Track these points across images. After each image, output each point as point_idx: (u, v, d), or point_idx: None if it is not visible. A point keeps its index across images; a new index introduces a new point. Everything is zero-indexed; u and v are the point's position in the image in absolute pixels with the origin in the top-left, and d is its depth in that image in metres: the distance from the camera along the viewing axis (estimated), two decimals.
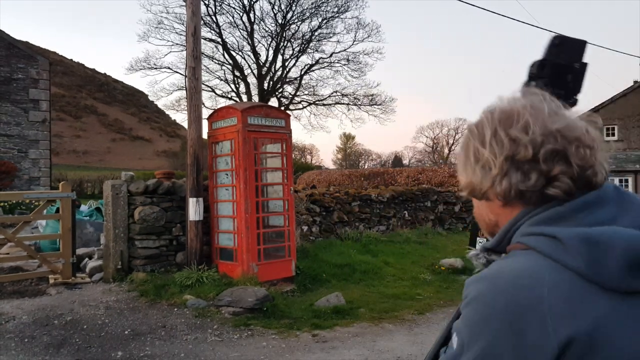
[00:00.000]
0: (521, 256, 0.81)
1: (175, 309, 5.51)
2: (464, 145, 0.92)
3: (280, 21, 26.85)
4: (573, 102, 1.08)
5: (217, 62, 27.55)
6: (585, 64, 1.11)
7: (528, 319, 0.72)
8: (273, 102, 27.78)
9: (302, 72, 28.25)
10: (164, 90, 34.18)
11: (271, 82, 28.09)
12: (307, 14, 26.76)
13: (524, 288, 0.74)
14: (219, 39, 26.56)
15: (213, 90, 28.20)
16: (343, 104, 29.01)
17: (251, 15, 26.48)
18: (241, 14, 26.47)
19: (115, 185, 6.65)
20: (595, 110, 28.18)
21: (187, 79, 6.93)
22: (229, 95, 28.44)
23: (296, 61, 28.19)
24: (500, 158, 0.84)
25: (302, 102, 29.31)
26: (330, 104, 29.10)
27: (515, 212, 0.87)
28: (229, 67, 27.82)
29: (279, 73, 28.34)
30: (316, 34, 27.32)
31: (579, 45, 1.12)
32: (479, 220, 0.99)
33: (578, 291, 0.72)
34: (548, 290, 0.73)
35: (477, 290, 0.79)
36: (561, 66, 1.08)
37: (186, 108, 7.03)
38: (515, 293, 0.74)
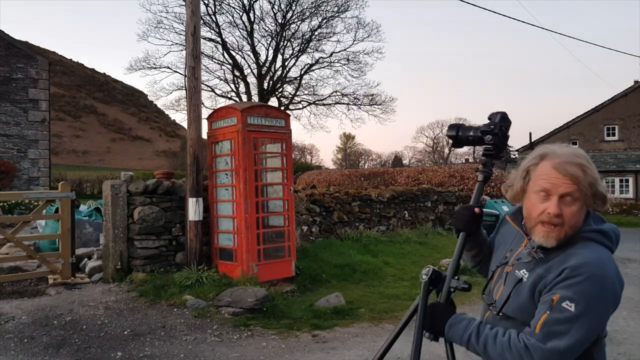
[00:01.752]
0: (594, 247, 1.40)
1: (175, 309, 5.49)
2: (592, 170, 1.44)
3: (280, 21, 26.85)
4: (501, 156, 1.77)
5: (216, 61, 27.56)
6: (508, 136, 1.68)
7: (616, 287, 1.36)
8: (273, 101, 27.76)
9: (302, 72, 28.25)
10: (164, 90, 34.22)
11: (271, 82, 28.07)
12: (307, 14, 26.76)
13: (612, 269, 1.36)
14: (219, 39, 26.55)
15: (213, 90, 28.20)
16: (343, 103, 29.00)
17: (251, 14, 26.48)
18: (241, 13, 26.47)
19: (115, 185, 6.64)
20: (596, 110, 28.20)
21: (186, 78, 6.92)
22: (229, 95, 28.43)
23: (296, 61, 28.19)
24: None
25: (302, 102, 29.29)
26: (330, 104, 29.08)
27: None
28: (229, 66, 27.81)
29: (278, 73, 28.33)
30: (316, 33, 27.32)
31: (510, 123, 1.68)
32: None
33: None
34: (617, 269, 1.37)
35: (590, 271, 1.32)
36: (504, 132, 1.65)
37: (186, 108, 7.01)
38: (610, 273, 1.35)
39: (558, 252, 1.41)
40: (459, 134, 1.71)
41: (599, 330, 1.36)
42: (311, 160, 64.20)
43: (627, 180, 25.41)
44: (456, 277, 1.57)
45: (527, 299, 1.43)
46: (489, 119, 1.66)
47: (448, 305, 1.55)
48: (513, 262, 1.54)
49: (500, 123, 1.62)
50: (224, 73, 28.10)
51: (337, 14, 26.84)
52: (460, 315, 1.53)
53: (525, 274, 1.46)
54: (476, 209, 1.64)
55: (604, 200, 1.44)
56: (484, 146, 1.66)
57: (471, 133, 1.68)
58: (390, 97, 31.10)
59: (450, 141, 1.77)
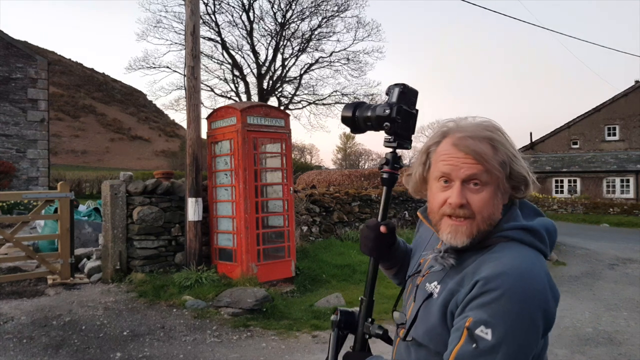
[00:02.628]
0: (515, 249, 1.05)
1: (174, 310, 5.47)
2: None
3: (279, 20, 26.80)
4: (409, 144, 1.28)
5: (216, 61, 27.51)
6: (417, 111, 1.26)
7: (546, 299, 0.99)
8: (272, 101, 27.74)
9: (302, 72, 28.21)
10: (163, 90, 34.12)
11: (271, 82, 28.04)
12: (307, 13, 26.72)
13: (538, 277, 1.00)
14: (218, 38, 26.50)
15: (212, 90, 28.16)
16: (343, 103, 28.92)
17: (250, 14, 26.44)
18: (240, 12, 26.43)
19: (114, 185, 6.62)
20: (597, 110, 28.21)
21: (186, 78, 6.90)
22: (228, 95, 28.39)
23: (296, 60, 28.15)
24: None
25: (302, 102, 29.26)
26: (330, 104, 29.05)
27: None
28: (228, 66, 27.76)
29: (278, 72, 28.29)
30: (316, 33, 27.28)
31: (415, 94, 1.26)
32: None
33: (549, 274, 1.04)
34: (546, 275, 1.02)
35: (505, 285, 0.97)
36: (407, 111, 1.23)
37: (185, 107, 6.99)
38: (535, 283, 0.98)
39: (473, 257, 1.08)
40: (356, 114, 1.27)
41: (528, 358, 0.98)
42: (311, 160, 64.17)
43: (627, 180, 25.40)
44: (369, 320, 1.25)
45: (437, 322, 1.08)
46: (387, 94, 1.25)
47: (364, 354, 1.23)
48: (425, 271, 1.20)
49: (398, 103, 1.21)
50: (224, 73, 28.07)
51: (337, 14, 26.82)
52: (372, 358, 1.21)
53: (436, 288, 1.12)
54: (382, 228, 1.27)
55: (526, 184, 1.11)
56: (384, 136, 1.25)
57: (369, 113, 1.24)
58: None
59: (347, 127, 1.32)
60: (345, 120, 1.29)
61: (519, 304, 0.95)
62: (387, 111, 1.20)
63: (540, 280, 0.99)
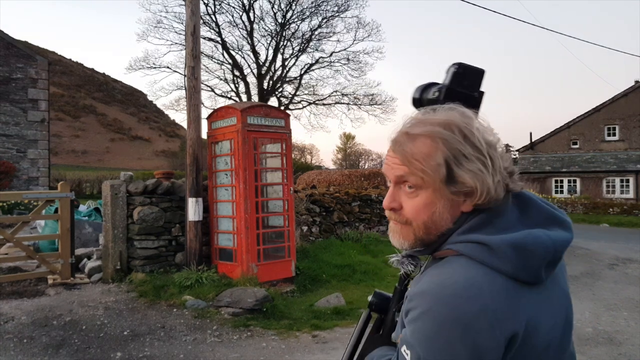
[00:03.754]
0: (457, 264, 0.88)
1: (175, 310, 5.48)
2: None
3: (280, 20, 26.83)
4: None
5: (216, 61, 27.53)
6: (482, 93, 1.12)
7: (478, 327, 0.80)
8: (273, 101, 27.75)
9: (302, 72, 28.24)
10: (163, 90, 34.17)
11: (271, 82, 28.05)
12: (307, 13, 26.75)
13: (470, 299, 0.81)
14: (219, 38, 26.53)
15: (212, 90, 28.19)
16: (343, 103, 28.98)
17: (251, 14, 26.46)
18: (241, 13, 26.45)
19: (114, 185, 6.62)
20: (597, 110, 28.21)
21: (186, 78, 6.91)
22: (229, 95, 28.42)
23: (296, 60, 28.18)
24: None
25: (302, 102, 29.28)
26: (330, 104, 29.07)
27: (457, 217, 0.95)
28: (229, 66, 27.79)
29: (278, 72, 28.31)
30: (316, 33, 27.31)
31: (479, 75, 1.13)
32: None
33: (512, 293, 0.84)
34: (490, 298, 0.82)
35: (425, 304, 0.84)
36: (463, 94, 1.08)
37: (185, 108, 7.00)
38: (463, 305, 0.81)
39: (428, 269, 0.97)
40: (422, 97, 1.13)
41: None
42: (311, 160, 64.17)
43: (627, 181, 25.41)
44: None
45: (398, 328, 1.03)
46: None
47: (386, 340, 1.15)
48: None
49: (450, 85, 1.08)
50: (224, 73, 28.10)
51: (337, 14, 26.85)
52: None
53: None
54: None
55: (472, 194, 0.91)
56: None
57: (430, 95, 1.11)
58: (390, 96, 31.23)
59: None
60: (413, 102, 1.17)
61: (434, 328, 0.82)
62: (436, 94, 1.08)
63: (473, 304, 0.80)
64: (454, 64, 1.10)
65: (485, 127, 0.95)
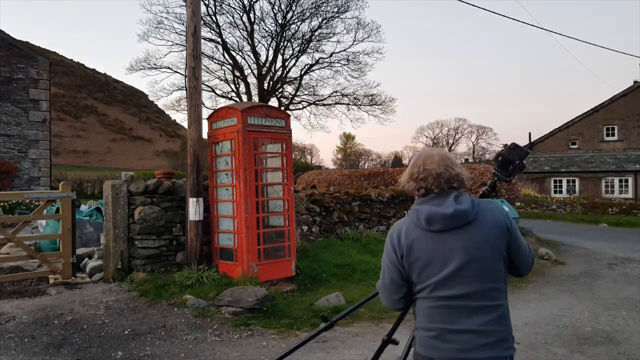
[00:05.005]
0: (405, 217, 1.93)
1: (175, 309, 5.51)
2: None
3: (280, 21, 26.86)
4: (509, 181, 2.23)
5: (217, 62, 27.58)
6: (523, 164, 2.18)
7: (390, 236, 1.92)
8: (273, 102, 27.79)
9: (302, 72, 28.28)
10: (164, 90, 34.15)
11: (271, 82, 28.09)
12: (307, 14, 26.78)
13: (394, 228, 1.94)
14: (219, 39, 26.58)
15: (213, 90, 28.24)
16: (343, 104, 29.03)
17: (251, 15, 26.50)
18: (241, 14, 26.49)
19: (115, 185, 6.65)
20: (596, 110, 28.20)
21: (187, 79, 6.93)
22: (229, 95, 28.47)
23: (296, 61, 28.22)
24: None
25: (302, 102, 29.32)
26: (330, 104, 29.12)
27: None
28: (229, 67, 27.83)
29: (279, 73, 28.35)
30: (316, 34, 27.34)
31: (524, 152, 2.16)
32: None
33: (409, 228, 1.87)
34: (398, 228, 1.92)
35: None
36: (509, 160, 2.18)
37: (186, 108, 7.03)
38: (395, 229, 1.93)
39: None
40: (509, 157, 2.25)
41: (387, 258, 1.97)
42: (311, 160, 64.18)
43: (626, 181, 25.42)
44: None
45: None
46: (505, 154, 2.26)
47: None
48: None
49: (502, 154, 2.28)
50: (224, 73, 28.15)
51: (337, 15, 26.89)
52: None
53: None
54: None
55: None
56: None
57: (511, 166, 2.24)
58: (390, 97, 31.20)
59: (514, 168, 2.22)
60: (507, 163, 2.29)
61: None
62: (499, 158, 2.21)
63: (393, 229, 1.93)
64: (510, 143, 2.28)
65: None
